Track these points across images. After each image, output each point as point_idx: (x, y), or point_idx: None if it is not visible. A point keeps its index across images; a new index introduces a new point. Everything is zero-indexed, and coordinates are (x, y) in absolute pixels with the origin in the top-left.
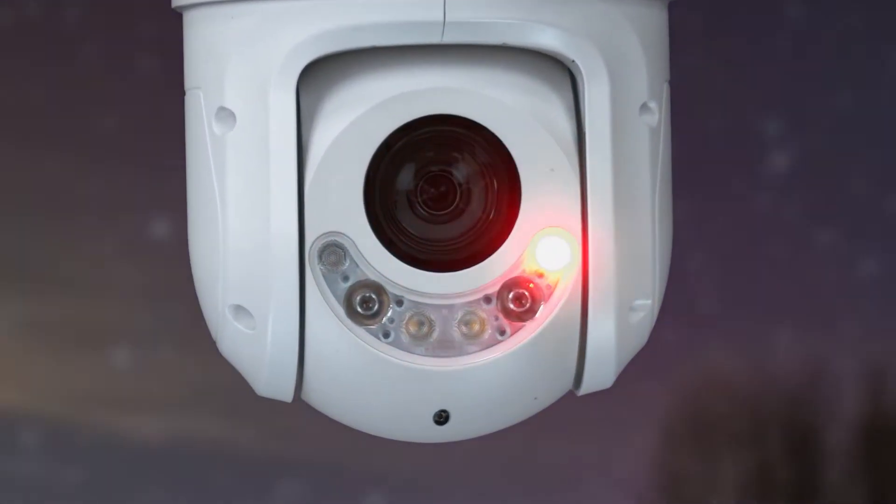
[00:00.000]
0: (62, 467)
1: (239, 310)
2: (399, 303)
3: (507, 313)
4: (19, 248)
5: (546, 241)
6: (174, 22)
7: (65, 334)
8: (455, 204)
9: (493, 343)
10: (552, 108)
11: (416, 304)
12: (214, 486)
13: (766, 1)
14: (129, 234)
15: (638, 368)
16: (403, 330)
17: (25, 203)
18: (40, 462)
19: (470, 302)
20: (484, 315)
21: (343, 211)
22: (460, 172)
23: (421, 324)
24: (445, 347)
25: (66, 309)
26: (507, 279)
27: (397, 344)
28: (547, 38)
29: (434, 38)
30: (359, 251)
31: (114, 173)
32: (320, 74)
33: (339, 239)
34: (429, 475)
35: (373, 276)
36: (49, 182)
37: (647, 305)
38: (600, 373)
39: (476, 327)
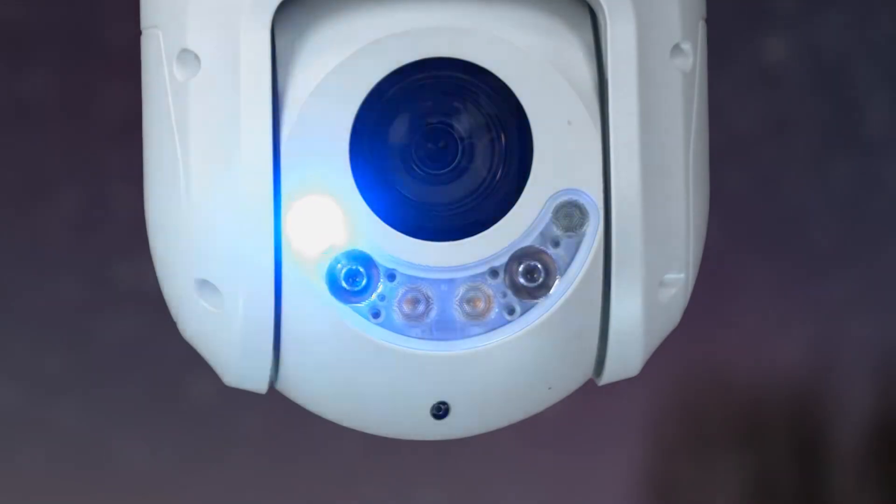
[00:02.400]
0: None
1: (204, 285)
2: (391, 277)
3: (517, 289)
4: None
5: (562, 205)
6: None
7: None
8: (456, 162)
9: (500, 324)
10: (569, 51)
11: (411, 278)
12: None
13: None
14: None
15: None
16: (396, 309)
17: None
18: None
19: (473, 276)
20: (490, 291)
21: (326, 170)
22: (462, 125)
23: (416, 301)
24: (445, 329)
25: None
26: (516, 249)
27: (389, 325)
28: None
29: None
30: (344, 217)
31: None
32: (299, 11)
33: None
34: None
35: (360, 246)
36: None
37: (679, 280)
38: (625, 358)
39: (480, 305)
